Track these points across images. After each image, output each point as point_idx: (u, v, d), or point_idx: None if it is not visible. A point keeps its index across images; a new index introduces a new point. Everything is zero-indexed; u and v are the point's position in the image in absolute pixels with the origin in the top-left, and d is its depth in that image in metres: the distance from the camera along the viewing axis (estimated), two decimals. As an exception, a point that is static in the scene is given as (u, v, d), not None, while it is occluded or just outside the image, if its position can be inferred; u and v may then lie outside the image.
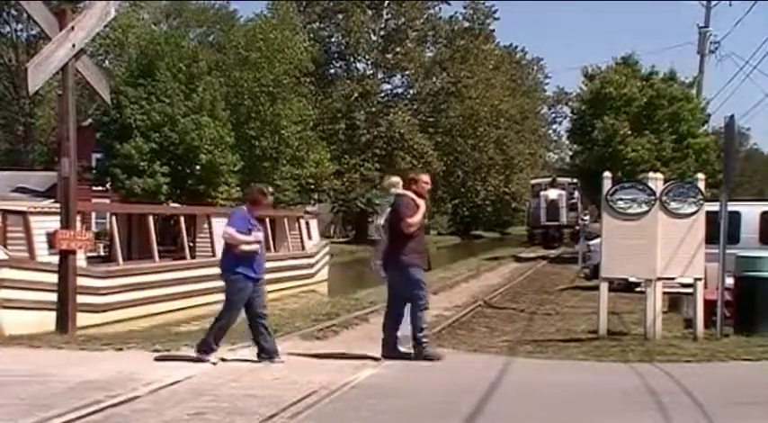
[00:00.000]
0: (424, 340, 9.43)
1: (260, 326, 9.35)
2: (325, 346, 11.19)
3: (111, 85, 20.74)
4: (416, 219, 9.21)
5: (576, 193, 49.63)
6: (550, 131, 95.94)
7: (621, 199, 11.05)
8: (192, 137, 33.41)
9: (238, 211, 9.50)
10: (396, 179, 9.85)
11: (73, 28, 12.52)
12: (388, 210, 9.47)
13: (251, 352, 9.55)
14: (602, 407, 7.53)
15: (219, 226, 25.61)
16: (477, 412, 7.12)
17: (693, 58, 37.65)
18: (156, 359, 9.49)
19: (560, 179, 54.09)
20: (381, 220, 9.61)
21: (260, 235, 9.32)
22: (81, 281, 14.40)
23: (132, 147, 32.76)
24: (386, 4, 62.34)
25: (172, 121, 33.50)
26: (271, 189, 10.28)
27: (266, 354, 9.29)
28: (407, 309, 9.41)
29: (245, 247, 9.09)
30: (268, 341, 9.37)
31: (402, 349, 9.47)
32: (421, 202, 9.36)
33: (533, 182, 58.99)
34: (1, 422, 6.68)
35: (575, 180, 46.42)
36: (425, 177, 9.74)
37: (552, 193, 51.50)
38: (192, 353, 9.33)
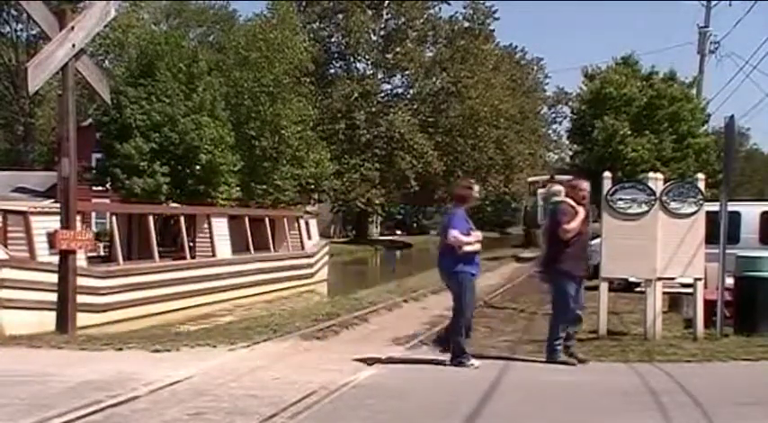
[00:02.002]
0: (557, 346, 9.46)
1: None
2: (326, 346, 11.20)
3: (111, 85, 20.73)
4: (574, 225, 9.33)
5: None
6: (550, 131, 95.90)
7: (621, 199, 11.07)
8: (191, 137, 33.40)
9: (457, 213, 9.34)
10: (558, 188, 9.93)
11: (73, 28, 12.52)
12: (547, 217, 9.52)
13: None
14: (602, 407, 7.54)
15: (219, 226, 25.79)
16: (477, 412, 7.13)
17: (693, 58, 37.72)
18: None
19: (559, 177, 53.39)
20: (541, 228, 9.58)
21: (479, 235, 9.32)
22: (81, 281, 14.40)
23: (132, 147, 32.74)
24: (386, 4, 62.27)
25: (172, 121, 33.48)
26: (473, 180, 10.27)
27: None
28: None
29: (467, 248, 9.06)
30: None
31: (564, 357, 9.43)
32: (580, 209, 9.49)
33: (530, 179, 57.87)
34: (1, 422, 6.68)
35: (574, 177, 45.86)
36: (584, 184, 9.84)
37: None
38: (447, 362, 9.23)
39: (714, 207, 11.70)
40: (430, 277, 25.34)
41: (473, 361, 9.14)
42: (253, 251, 27.52)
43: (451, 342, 9.23)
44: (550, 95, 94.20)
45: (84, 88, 28.36)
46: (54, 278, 12.93)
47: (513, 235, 77.47)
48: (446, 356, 9.28)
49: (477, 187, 9.72)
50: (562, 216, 9.39)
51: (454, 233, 9.05)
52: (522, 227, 58.88)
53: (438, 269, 9.49)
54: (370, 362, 9.44)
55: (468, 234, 9.15)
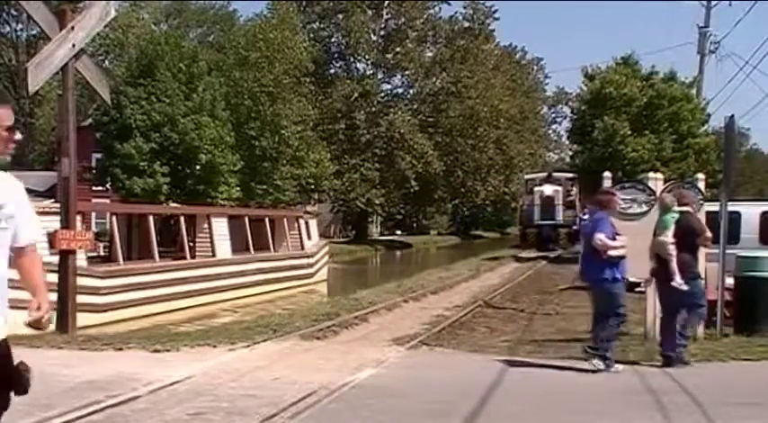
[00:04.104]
0: (684, 345, 9.54)
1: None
2: (326, 346, 11.20)
3: (111, 85, 20.70)
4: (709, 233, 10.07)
5: (575, 189, 46.46)
6: (550, 131, 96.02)
7: (622, 199, 11.05)
8: (191, 137, 33.38)
9: (602, 217, 9.31)
10: (673, 198, 10.20)
11: (73, 28, 12.52)
12: (672, 227, 9.63)
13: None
14: (603, 407, 7.54)
15: (219, 226, 25.79)
16: (477, 412, 7.13)
17: (693, 58, 37.73)
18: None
19: (557, 174, 50.64)
20: (668, 238, 9.56)
21: (625, 239, 9.30)
22: (81, 281, 14.40)
23: (132, 147, 32.72)
24: (386, 4, 62.23)
25: (172, 121, 33.46)
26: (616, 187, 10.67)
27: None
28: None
29: (612, 253, 9.05)
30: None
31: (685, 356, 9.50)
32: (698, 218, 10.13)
33: (527, 177, 55.15)
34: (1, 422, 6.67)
35: (573, 175, 44.98)
36: (692, 194, 10.53)
37: (548, 189, 47.23)
38: (596, 367, 9.08)
39: (714, 207, 11.69)
40: (429, 277, 25.38)
41: (617, 366, 9.06)
42: (253, 251, 27.52)
43: (598, 347, 9.17)
44: (550, 95, 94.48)
45: (85, 88, 28.33)
46: (54, 278, 12.92)
47: (513, 235, 77.31)
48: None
49: (619, 193, 10.06)
50: (701, 225, 9.93)
51: (600, 237, 9.00)
52: (519, 227, 56.85)
53: (580, 275, 9.56)
54: (370, 361, 9.39)
55: (614, 238, 9.13)
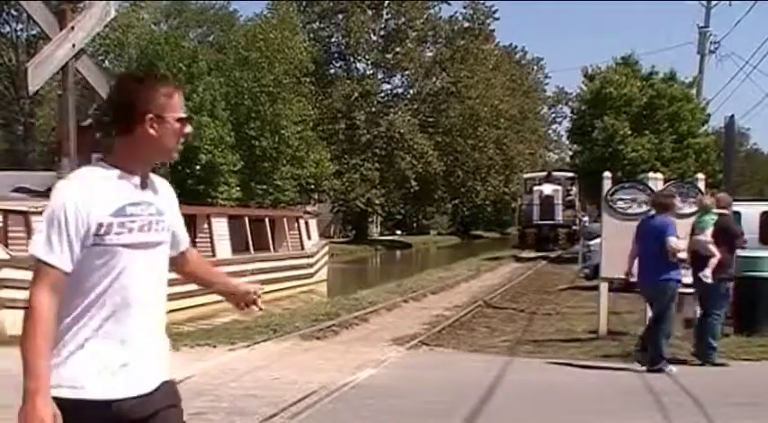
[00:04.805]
0: (714, 345, 9.62)
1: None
2: (326, 346, 11.20)
3: (111, 84, 20.66)
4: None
5: (575, 189, 46.29)
6: (550, 131, 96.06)
7: (621, 199, 11.08)
8: (191, 137, 33.45)
9: (670, 221, 9.37)
10: (711, 199, 10.34)
11: (73, 28, 12.51)
12: (711, 228, 9.79)
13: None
14: (603, 407, 7.54)
15: (219, 226, 25.76)
16: (477, 412, 7.13)
17: (693, 58, 37.77)
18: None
19: (556, 173, 50.23)
20: (707, 237, 9.71)
21: (686, 242, 9.52)
22: (81, 281, 14.36)
23: (132, 147, 32.77)
24: (386, 4, 62.21)
25: (172, 121, 33.52)
26: (673, 189, 10.98)
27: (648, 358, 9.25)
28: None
29: (681, 255, 9.22)
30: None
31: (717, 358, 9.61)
32: None
33: (526, 176, 54.92)
34: (1, 422, 6.67)
35: (572, 174, 44.39)
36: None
37: (547, 189, 46.69)
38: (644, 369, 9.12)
39: (714, 207, 11.69)
40: (428, 278, 25.38)
41: (671, 367, 9.09)
42: (253, 251, 27.50)
43: (650, 348, 9.20)
44: (550, 95, 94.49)
45: (85, 88, 28.21)
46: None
47: (513, 235, 77.32)
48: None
49: (678, 196, 10.31)
50: (739, 227, 10.34)
51: (675, 240, 9.13)
52: (517, 227, 55.32)
53: (640, 278, 9.53)
54: (370, 361, 9.39)
55: None
